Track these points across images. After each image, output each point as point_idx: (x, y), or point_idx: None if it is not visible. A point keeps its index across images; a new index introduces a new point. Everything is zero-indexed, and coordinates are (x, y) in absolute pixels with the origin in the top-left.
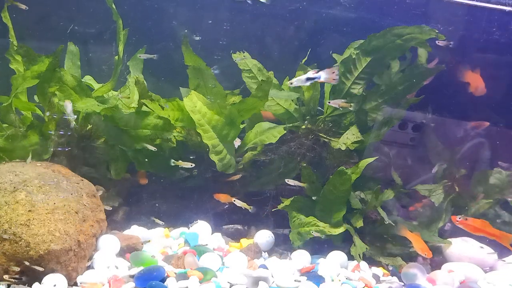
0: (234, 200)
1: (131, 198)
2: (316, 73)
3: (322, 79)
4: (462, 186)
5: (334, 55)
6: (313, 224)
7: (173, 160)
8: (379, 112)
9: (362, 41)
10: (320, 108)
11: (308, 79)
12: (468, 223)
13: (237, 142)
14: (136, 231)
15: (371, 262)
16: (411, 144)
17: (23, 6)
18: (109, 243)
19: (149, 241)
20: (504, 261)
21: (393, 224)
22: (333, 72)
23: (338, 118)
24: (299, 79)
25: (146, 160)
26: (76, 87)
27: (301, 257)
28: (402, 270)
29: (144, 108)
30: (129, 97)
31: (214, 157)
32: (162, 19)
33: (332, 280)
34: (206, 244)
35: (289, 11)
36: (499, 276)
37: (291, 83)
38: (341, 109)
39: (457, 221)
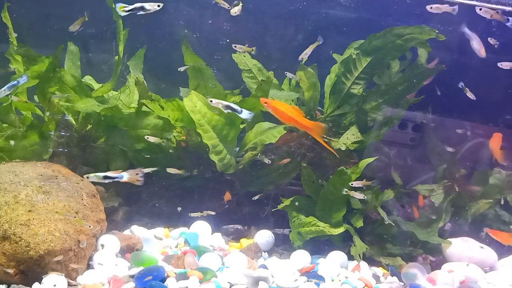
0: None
1: (131, 198)
2: (118, 173)
3: (124, 179)
4: (462, 186)
5: (334, 55)
6: (313, 224)
7: None
8: (379, 112)
9: (362, 41)
10: (320, 108)
11: (105, 177)
12: (274, 105)
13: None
14: (136, 231)
15: (371, 262)
16: (411, 144)
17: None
18: (109, 243)
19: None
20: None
21: (393, 224)
22: (137, 174)
23: (338, 118)
24: (97, 175)
25: (146, 160)
26: (76, 87)
27: (301, 257)
28: (402, 270)
29: (144, 108)
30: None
31: (214, 157)
32: (161, 19)
33: (332, 280)
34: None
35: (289, 11)
36: (499, 276)
37: (87, 177)
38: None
39: (265, 103)
